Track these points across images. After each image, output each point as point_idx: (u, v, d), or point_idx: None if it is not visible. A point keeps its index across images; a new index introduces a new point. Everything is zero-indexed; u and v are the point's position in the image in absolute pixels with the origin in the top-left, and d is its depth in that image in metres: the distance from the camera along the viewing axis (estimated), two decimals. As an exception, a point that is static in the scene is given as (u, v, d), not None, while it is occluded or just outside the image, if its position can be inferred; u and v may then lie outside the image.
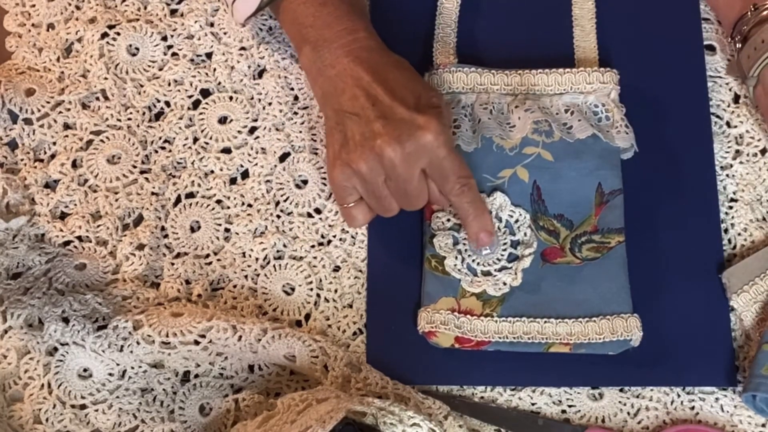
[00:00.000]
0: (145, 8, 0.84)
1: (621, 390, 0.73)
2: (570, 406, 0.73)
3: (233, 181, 0.79)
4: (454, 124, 0.74)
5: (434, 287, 0.73)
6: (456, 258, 0.72)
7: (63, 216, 0.79)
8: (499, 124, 0.74)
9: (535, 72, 0.76)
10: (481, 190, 0.73)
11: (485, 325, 0.71)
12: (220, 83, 0.82)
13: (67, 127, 0.81)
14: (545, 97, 0.75)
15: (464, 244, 0.73)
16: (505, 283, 0.72)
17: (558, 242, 0.73)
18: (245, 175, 0.79)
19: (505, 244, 0.73)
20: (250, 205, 0.78)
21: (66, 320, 0.73)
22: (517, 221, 0.73)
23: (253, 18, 0.76)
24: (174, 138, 0.80)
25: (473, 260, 0.72)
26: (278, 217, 0.78)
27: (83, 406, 0.73)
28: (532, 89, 0.75)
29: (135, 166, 0.80)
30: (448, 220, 0.73)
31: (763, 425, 0.71)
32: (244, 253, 0.77)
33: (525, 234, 0.73)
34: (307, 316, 0.76)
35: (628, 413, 0.72)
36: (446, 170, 0.68)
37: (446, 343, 0.72)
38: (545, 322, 0.71)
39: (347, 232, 0.77)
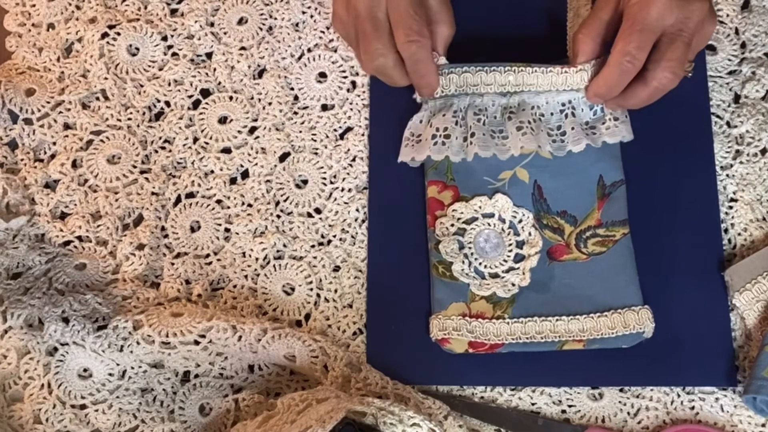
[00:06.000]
0: (145, 8, 0.84)
1: (621, 390, 0.73)
2: (570, 406, 0.73)
3: (233, 181, 0.79)
4: (444, 133, 0.73)
5: (444, 294, 0.72)
6: (463, 263, 0.72)
7: (63, 216, 0.79)
8: (492, 136, 0.73)
9: (530, 70, 0.73)
10: (482, 192, 0.73)
11: (497, 327, 0.71)
12: (220, 83, 0.82)
13: (67, 127, 0.81)
14: (541, 95, 0.74)
15: (470, 247, 0.73)
16: (513, 284, 0.72)
17: (563, 239, 0.73)
18: (245, 175, 0.79)
19: (510, 245, 0.73)
20: (250, 205, 0.78)
21: (66, 320, 0.73)
22: (520, 221, 0.73)
23: None
24: (174, 138, 0.80)
25: (480, 263, 0.72)
26: (278, 217, 0.78)
27: (83, 406, 0.73)
28: (528, 88, 0.74)
29: (135, 166, 0.80)
30: (452, 225, 0.73)
31: (763, 425, 0.71)
32: (244, 253, 0.77)
33: (529, 233, 0.73)
34: (307, 316, 0.76)
35: (628, 413, 0.72)
36: (398, 19, 0.67)
37: (460, 349, 0.71)
38: (557, 320, 0.71)
39: (347, 232, 0.77)
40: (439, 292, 0.72)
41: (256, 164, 0.79)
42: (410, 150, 0.74)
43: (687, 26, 0.67)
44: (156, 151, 0.80)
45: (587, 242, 0.72)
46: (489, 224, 0.73)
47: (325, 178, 0.79)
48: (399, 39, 0.67)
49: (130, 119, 0.81)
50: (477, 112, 0.73)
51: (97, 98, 0.82)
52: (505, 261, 0.72)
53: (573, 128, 0.73)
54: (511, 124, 0.73)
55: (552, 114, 0.74)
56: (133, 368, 0.73)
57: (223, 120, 0.81)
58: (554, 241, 0.73)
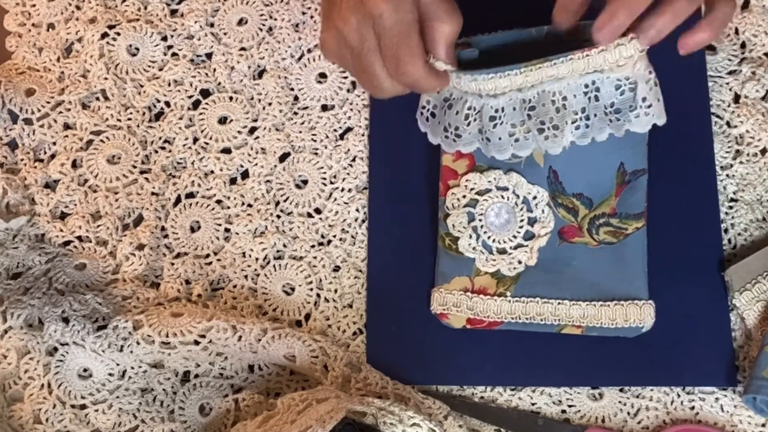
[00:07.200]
0: (145, 8, 0.84)
1: (621, 390, 0.73)
2: (570, 406, 0.73)
3: (233, 181, 0.79)
4: (456, 132, 0.68)
5: (448, 266, 0.72)
6: (470, 237, 0.71)
7: (63, 216, 0.79)
8: (510, 133, 0.67)
9: (548, 64, 0.64)
10: (497, 167, 0.71)
11: (498, 305, 0.71)
12: (220, 83, 0.82)
13: (67, 127, 0.81)
14: (561, 80, 0.66)
15: (480, 220, 0.71)
16: (520, 262, 0.71)
17: (576, 221, 0.71)
18: (245, 175, 0.79)
19: (521, 220, 0.71)
20: (250, 205, 0.78)
21: (66, 320, 0.73)
22: (535, 198, 0.71)
23: None
24: (174, 138, 0.80)
25: (488, 236, 0.71)
26: (278, 217, 0.78)
27: (83, 406, 0.73)
28: (547, 80, 0.66)
29: (135, 166, 0.80)
30: (464, 196, 0.71)
31: (763, 425, 0.71)
32: (244, 253, 0.77)
33: (543, 211, 0.71)
34: (307, 316, 0.76)
35: (628, 413, 0.72)
36: (386, 45, 0.60)
37: (458, 324, 0.71)
38: (559, 303, 0.70)
39: (347, 232, 0.77)
40: (444, 265, 0.72)
41: (256, 164, 0.79)
42: (424, 122, 0.70)
43: None
44: (156, 151, 0.80)
45: (599, 230, 0.71)
46: (503, 197, 0.71)
47: (325, 179, 0.79)
48: (390, 71, 0.61)
49: (130, 119, 0.81)
50: (492, 116, 0.66)
51: (97, 98, 0.82)
52: (515, 237, 0.71)
53: (596, 114, 0.65)
54: (533, 124, 0.66)
55: (575, 96, 0.65)
56: (133, 368, 0.73)
57: (223, 120, 0.81)
58: (567, 221, 0.71)
